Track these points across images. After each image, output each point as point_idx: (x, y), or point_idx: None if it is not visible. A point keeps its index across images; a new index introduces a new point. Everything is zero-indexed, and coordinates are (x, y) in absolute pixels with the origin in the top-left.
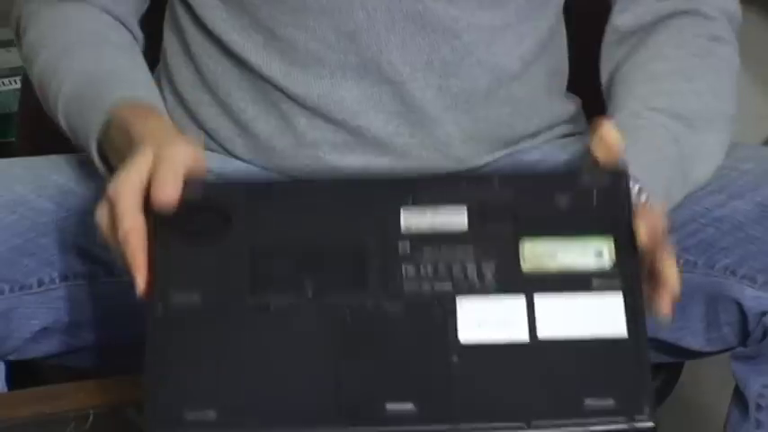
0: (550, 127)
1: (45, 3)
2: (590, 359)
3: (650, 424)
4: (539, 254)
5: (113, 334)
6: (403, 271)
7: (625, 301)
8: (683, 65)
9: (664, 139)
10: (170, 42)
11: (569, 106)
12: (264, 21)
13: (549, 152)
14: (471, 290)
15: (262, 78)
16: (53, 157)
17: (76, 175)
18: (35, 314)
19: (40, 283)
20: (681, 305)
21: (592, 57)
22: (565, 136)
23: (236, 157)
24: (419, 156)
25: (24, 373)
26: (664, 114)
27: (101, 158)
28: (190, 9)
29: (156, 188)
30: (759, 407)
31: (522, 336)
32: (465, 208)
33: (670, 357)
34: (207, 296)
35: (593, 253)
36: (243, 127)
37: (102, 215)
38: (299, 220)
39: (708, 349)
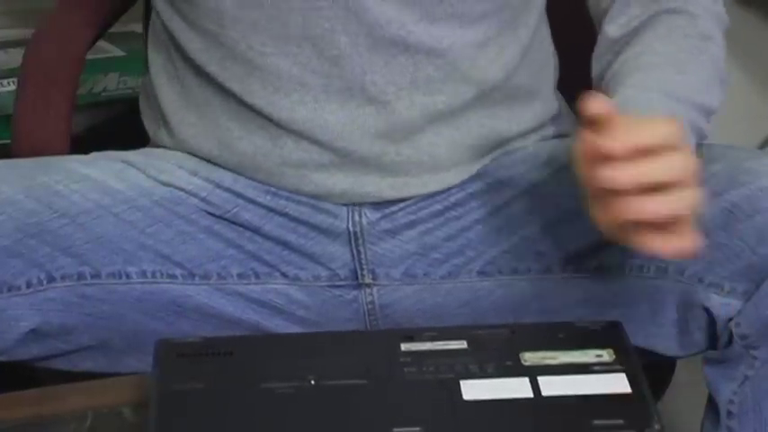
0: (537, 128)
1: None
2: (596, 400)
3: None
4: (539, 356)
5: (101, 336)
6: (404, 369)
7: (628, 377)
8: (675, 59)
9: (658, 103)
10: (154, 60)
11: (555, 104)
12: (243, 53)
13: (534, 152)
14: (474, 376)
15: (245, 105)
16: (41, 159)
17: (64, 177)
18: (24, 316)
19: (29, 285)
20: (652, 312)
21: (579, 55)
22: (555, 136)
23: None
24: (407, 170)
25: (21, 375)
26: (657, 92)
27: None
28: (173, 36)
29: None
30: (730, 413)
31: (527, 394)
32: (465, 341)
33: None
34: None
35: (593, 355)
36: (228, 145)
37: None
38: (299, 352)
39: (681, 353)
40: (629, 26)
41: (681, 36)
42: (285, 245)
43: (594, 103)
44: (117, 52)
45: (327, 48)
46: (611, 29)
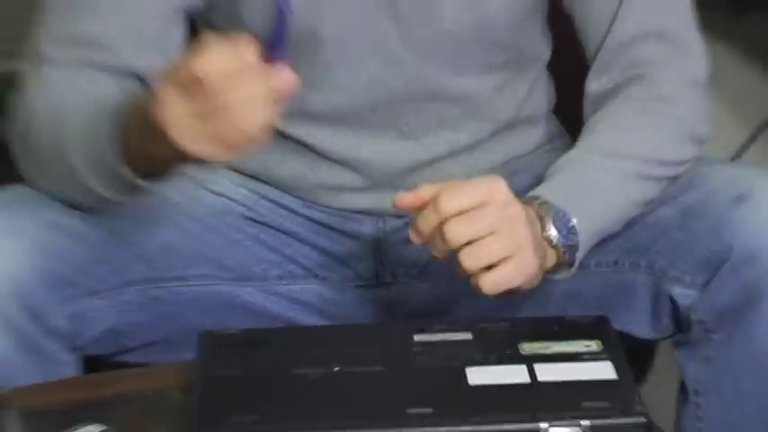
0: (536, 149)
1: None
2: (585, 385)
3: (642, 419)
4: (535, 346)
5: (164, 333)
6: (417, 358)
7: (614, 365)
8: (625, 122)
9: (585, 165)
10: None
11: (552, 126)
12: None
13: (528, 164)
14: (478, 364)
15: (284, 136)
16: None
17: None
18: (102, 317)
19: (109, 289)
20: (627, 301)
21: (572, 80)
22: (546, 152)
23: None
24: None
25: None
26: (596, 153)
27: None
28: None
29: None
30: (696, 392)
31: (524, 380)
32: (470, 333)
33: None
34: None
35: (583, 345)
36: (267, 167)
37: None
38: (325, 343)
39: (654, 336)
40: (607, 87)
41: (636, 99)
42: (319, 250)
43: (404, 199)
44: None
45: (367, 98)
46: (593, 86)
